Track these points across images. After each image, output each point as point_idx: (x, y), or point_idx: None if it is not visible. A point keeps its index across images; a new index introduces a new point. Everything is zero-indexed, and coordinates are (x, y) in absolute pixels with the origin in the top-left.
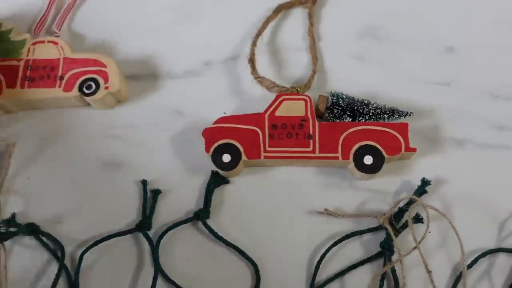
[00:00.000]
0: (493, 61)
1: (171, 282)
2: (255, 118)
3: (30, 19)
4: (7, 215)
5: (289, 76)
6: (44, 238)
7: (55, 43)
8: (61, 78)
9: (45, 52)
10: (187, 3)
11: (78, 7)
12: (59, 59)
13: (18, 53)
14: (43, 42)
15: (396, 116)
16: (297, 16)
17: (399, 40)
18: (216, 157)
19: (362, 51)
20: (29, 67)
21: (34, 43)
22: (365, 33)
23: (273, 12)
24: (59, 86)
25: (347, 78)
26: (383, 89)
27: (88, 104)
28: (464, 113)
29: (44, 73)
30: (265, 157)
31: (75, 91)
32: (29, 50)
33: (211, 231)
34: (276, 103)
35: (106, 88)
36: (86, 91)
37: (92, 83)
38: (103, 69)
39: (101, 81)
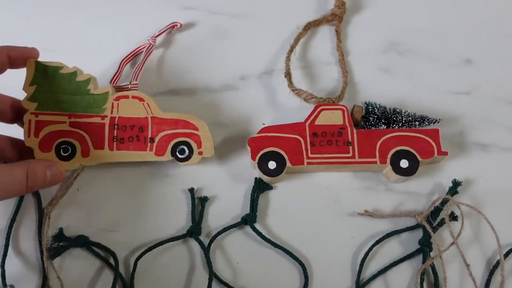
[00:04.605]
0: (506, 72)
1: (225, 284)
2: (296, 127)
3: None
4: (57, 228)
5: (321, 89)
6: (95, 248)
7: (141, 99)
8: (152, 140)
9: (131, 109)
10: (222, 22)
11: None
12: (147, 118)
13: (101, 109)
14: (127, 97)
15: (426, 123)
16: (324, 33)
17: (419, 54)
18: (262, 165)
19: (387, 64)
20: (116, 126)
21: (117, 98)
22: (388, 48)
23: (302, 29)
24: (151, 149)
25: (375, 89)
26: (408, 98)
27: None
28: (485, 119)
29: (133, 133)
30: (308, 163)
31: (167, 155)
32: (112, 106)
33: (259, 234)
34: (316, 113)
35: (200, 153)
36: (179, 155)
37: (185, 147)
38: (195, 132)
39: (194, 145)
